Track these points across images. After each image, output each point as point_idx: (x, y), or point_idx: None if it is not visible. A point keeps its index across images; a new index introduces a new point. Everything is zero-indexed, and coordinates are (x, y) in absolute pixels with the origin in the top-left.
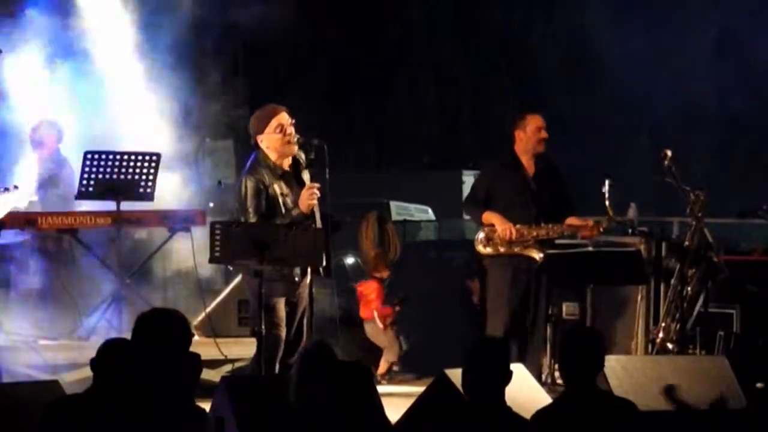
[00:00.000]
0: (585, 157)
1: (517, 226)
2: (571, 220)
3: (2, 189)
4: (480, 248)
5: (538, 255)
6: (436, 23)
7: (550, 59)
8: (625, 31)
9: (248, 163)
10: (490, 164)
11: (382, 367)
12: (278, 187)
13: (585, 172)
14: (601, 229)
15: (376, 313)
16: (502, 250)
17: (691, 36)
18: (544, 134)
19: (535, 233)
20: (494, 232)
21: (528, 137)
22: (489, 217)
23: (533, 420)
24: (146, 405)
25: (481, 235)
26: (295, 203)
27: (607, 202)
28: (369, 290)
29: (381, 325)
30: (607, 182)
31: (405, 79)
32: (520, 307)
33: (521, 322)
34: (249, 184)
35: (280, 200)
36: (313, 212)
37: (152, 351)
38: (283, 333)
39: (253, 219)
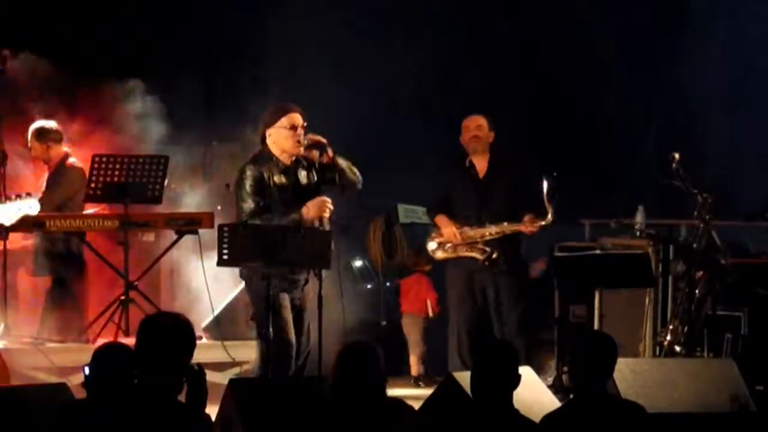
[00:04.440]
0: (591, 159)
1: (463, 228)
2: (527, 218)
3: (14, 196)
4: (432, 253)
5: (480, 255)
6: (442, 23)
7: (557, 61)
8: (631, 33)
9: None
10: (448, 167)
11: (415, 368)
12: (278, 180)
13: (592, 173)
14: (541, 224)
15: (429, 303)
16: (450, 253)
17: (698, 38)
18: (471, 133)
19: (480, 234)
20: (441, 235)
21: (464, 140)
22: (437, 220)
23: (542, 424)
24: (146, 410)
25: (430, 240)
26: (295, 202)
27: (546, 202)
28: (419, 283)
29: (432, 314)
30: (545, 182)
31: (410, 79)
32: (481, 307)
33: (485, 321)
34: (249, 173)
35: (276, 195)
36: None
37: (155, 355)
38: (292, 336)
39: (251, 205)
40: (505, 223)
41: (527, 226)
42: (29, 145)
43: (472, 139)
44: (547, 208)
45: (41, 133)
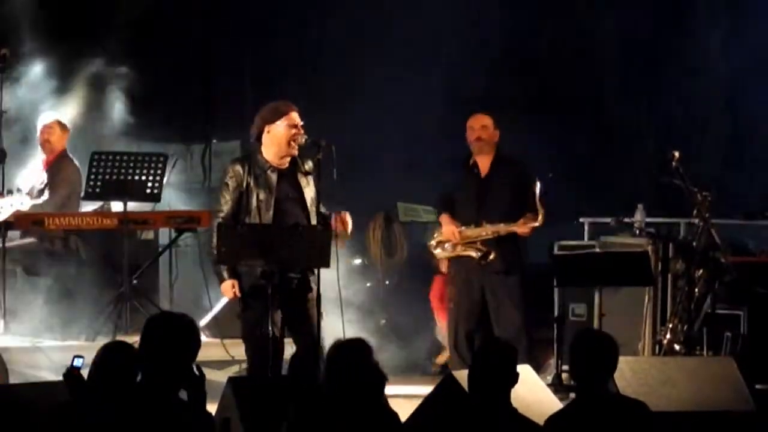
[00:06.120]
0: (591, 158)
1: (462, 228)
2: (521, 220)
3: (5, 191)
4: (433, 250)
5: (475, 254)
6: (440, 23)
7: (557, 61)
8: (631, 33)
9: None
10: (456, 166)
11: (442, 358)
12: (256, 191)
13: (592, 172)
14: (533, 226)
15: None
16: (450, 251)
17: (698, 38)
18: (475, 134)
19: (477, 234)
20: (441, 234)
21: (468, 140)
22: (441, 219)
23: (547, 425)
24: (148, 408)
25: (432, 239)
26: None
27: (538, 204)
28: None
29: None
30: (539, 185)
31: (410, 79)
32: (478, 306)
33: (481, 320)
34: (229, 176)
35: (254, 203)
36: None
37: (159, 355)
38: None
39: (225, 210)
40: (501, 224)
41: (520, 227)
42: (42, 128)
43: (476, 141)
44: (538, 210)
45: (63, 125)
